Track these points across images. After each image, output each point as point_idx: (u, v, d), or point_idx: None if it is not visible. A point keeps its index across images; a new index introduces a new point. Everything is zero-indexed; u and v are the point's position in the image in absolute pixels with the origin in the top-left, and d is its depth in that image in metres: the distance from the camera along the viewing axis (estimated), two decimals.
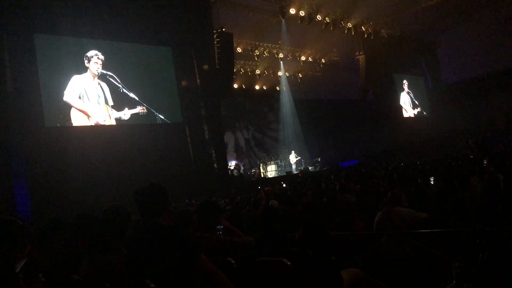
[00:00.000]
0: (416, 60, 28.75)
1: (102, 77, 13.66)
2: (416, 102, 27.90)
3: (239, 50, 20.64)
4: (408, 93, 27.42)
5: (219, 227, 3.52)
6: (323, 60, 25.42)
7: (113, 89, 13.87)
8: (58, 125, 12.65)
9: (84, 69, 13.40)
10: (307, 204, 4.31)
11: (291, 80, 26.29)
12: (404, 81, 27.39)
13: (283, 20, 19.46)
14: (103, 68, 13.66)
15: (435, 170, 9.24)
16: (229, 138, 23.49)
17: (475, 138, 19.04)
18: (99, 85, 13.58)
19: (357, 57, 24.49)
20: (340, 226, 4.97)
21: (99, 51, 13.70)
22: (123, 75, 14.27)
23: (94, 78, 13.50)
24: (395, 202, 4.96)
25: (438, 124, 26.58)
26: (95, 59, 13.50)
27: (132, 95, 14.23)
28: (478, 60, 25.05)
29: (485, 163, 9.44)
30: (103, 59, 13.66)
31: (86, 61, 13.37)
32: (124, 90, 14.03)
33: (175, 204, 9.72)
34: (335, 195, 6.87)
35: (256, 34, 21.34)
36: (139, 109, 14.37)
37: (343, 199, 6.14)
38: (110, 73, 13.80)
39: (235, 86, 22.99)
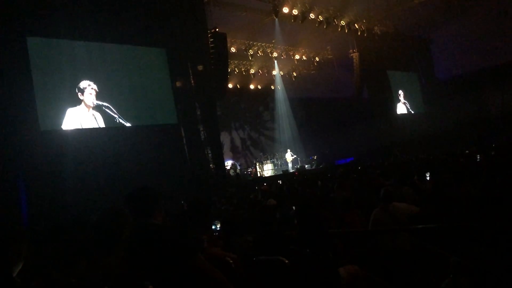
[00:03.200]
0: (410, 57, 28.82)
1: (97, 107, 13.43)
2: (412, 112, 27.90)
3: (233, 50, 20.65)
4: (404, 103, 27.38)
5: (214, 227, 3.52)
6: (317, 59, 25.48)
7: (109, 120, 13.66)
8: (54, 128, 12.59)
9: (79, 92, 13.16)
10: (303, 202, 4.33)
11: (286, 79, 26.31)
12: (400, 92, 27.20)
13: (276, 19, 19.47)
14: (98, 98, 13.42)
15: (431, 166, 9.27)
16: (224, 138, 23.46)
17: (474, 137, 19.11)
18: (93, 117, 13.37)
19: (351, 54, 24.55)
20: (334, 221, 5.00)
21: (92, 78, 13.39)
22: (117, 77, 14.24)
23: (89, 109, 13.28)
24: (389, 199, 5.00)
25: (433, 120, 26.65)
26: (89, 90, 13.23)
27: (128, 124, 14.09)
28: (472, 56, 25.14)
29: (478, 159, 9.50)
30: (96, 89, 13.41)
31: (79, 94, 13.08)
32: (121, 121, 13.85)
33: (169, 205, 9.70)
34: (332, 192, 6.90)
35: (250, 34, 21.35)
36: None
37: (338, 195, 6.16)
38: (106, 104, 13.56)
39: (230, 86, 22.99)
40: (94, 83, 13.48)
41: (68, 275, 2.66)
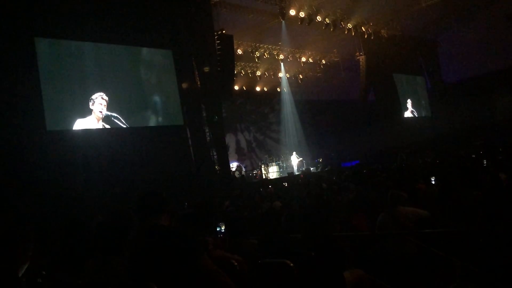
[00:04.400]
0: (417, 60, 28.71)
1: (106, 118, 13.46)
2: (417, 115, 27.72)
3: (239, 52, 20.67)
4: (412, 112, 27.21)
5: (218, 229, 3.53)
6: (323, 61, 25.44)
7: None
8: (60, 129, 12.64)
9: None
10: (309, 205, 4.32)
11: (292, 81, 26.33)
12: (408, 100, 27.04)
13: (283, 21, 19.48)
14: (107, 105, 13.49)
15: (437, 170, 9.21)
16: (230, 139, 23.50)
17: (481, 139, 18.98)
18: (104, 128, 13.46)
19: (358, 57, 24.47)
20: (340, 225, 4.98)
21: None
22: (124, 78, 14.29)
23: (98, 121, 13.27)
24: (396, 202, 4.97)
25: (440, 124, 26.53)
26: (99, 100, 13.22)
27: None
28: (479, 59, 25.01)
29: (485, 163, 9.44)
30: (107, 99, 13.42)
31: (90, 103, 13.10)
32: None
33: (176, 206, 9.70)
34: (336, 195, 6.88)
35: (256, 36, 21.37)
36: None
37: (343, 198, 6.15)
38: (115, 114, 13.60)
39: (236, 87, 23.04)
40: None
41: (74, 276, 2.67)
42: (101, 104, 13.28)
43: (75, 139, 12.62)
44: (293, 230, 4.24)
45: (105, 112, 13.37)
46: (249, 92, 25.09)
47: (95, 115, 13.20)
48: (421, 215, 4.80)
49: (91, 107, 13.13)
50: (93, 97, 13.20)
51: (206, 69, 15.90)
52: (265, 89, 26.00)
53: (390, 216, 4.88)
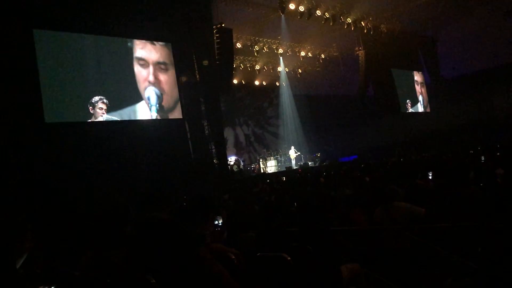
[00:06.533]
0: (416, 56, 28.68)
1: None
2: (413, 110, 27.72)
3: (238, 45, 20.62)
4: (410, 107, 27.11)
5: (216, 223, 3.54)
6: (322, 56, 25.40)
7: None
8: (58, 121, 12.60)
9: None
10: (306, 199, 4.33)
11: (291, 75, 26.30)
12: (408, 101, 27.00)
13: (283, 15, 19.43)
14: (107, 115, 13.45)
15: (434, 166, 9.23)
16: (228, 133, 23.51)
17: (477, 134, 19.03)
18: (102, 120, 13.40)
19: (357, 52, 24.42)
20: (338, 220, 5.00)
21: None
22: (123, 70, 14.26)
23: None
24: (393, 198, 4.99)
25: (438, 119, 26.54)
26: (100, 105, 13.21)
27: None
28: (478, 55, 25.00)
29: (483, 159, 9.47)
30: (108, 103, 13.41)
31: (90, 108, 13.11)
32: None
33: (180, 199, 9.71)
34: (334, 190, 6.90)
35: (256, 30, 21.31)
36: None
37: (340, 193, 6.16)
38: (116, 118, 13.61)
39: (235, 81, 23.03)
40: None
41: (72, 268, 2.68)
42: (101, 108, 13.31)
43: (72, 132, 12.59)
44: (291, 224, 4.26)
45: (106, 116, 13.40)
46: (248, 86, 25.08)
47: (96, 120, 13.24)
48: (416, 211, 4.80)
49: (91, 111, 13.15)
50: (93, 100, 13.19)
51: (205, 62, 15.86)
52: (264, 83, 25.99)
53: (386, 211, 4.90)
